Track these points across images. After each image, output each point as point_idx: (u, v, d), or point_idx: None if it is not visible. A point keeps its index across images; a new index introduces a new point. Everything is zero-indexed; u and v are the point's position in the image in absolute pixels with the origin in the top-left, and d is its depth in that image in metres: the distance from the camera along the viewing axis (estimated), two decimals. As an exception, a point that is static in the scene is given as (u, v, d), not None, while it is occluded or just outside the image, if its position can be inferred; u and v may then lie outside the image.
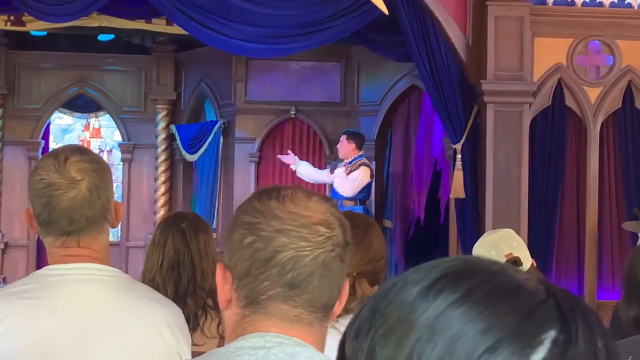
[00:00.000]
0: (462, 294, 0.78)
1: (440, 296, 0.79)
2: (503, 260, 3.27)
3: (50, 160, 2.22)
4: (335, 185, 9.71)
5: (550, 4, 8.30)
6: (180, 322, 2.30)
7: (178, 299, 3.09)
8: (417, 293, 0.80)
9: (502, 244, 3.40)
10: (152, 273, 3.27)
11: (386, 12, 8.18)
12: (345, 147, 9.85)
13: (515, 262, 3.25)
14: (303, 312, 1.55)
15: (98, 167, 2.25)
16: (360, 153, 9.88)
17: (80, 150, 2.28)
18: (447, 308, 0.78)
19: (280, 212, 1.55)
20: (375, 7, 8.19)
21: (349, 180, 9.61)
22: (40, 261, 12.61)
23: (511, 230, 3.59)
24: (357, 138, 9.93)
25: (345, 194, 9.60)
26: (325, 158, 11.39)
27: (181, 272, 3.30)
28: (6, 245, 11.91)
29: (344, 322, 2.56)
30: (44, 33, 11.59)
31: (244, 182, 11.46)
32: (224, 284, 1.61)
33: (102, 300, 2.20)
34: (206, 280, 3.35)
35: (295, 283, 1.54)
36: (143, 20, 10.24)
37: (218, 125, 11.66)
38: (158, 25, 10.37)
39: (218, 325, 3.29)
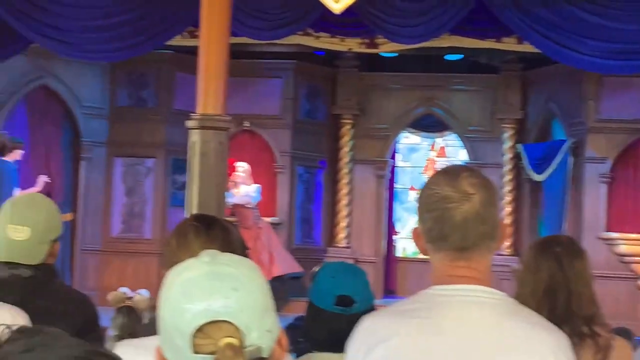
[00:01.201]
0: None
1: None
2: None
3: (442, 175, 2.22)
4: None
5: None
6: (567, 350, 2.20)
7: (553, 326, 2.98)
8: None
9: None
10: (526, 298, 3.18)
11: None
12: None
13: None
14: None
15: (489, 183, 2.22)
16: None
17: (469, 168, 2.27)
18: None
19: None
20: None
21: None
22: (388, 279, 12.93)
23: None
24: None
25: None
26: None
27: (556, 298, 3.20)
28: (356, 261, 12.28)
29: None
30: (394, 54, 11.91)
31: (594, 203, 11.09)
32: None
33: (487, 323, 2.15)
34: (582, 307, 3.22)
35: None
36: (493, 40, 10.21)
37: (567, 144, 11.37)
38: (508, 44, 10.29)
39: (594, 354, 3.15)
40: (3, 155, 10.60)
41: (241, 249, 2.57)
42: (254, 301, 1.52)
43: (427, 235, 2.21)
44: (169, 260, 2.53)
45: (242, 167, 11.89)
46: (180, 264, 1.60)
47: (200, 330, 1.49)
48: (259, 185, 11.84)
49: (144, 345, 2.51)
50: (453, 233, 2.16)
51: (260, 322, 1.51)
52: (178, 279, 1.56)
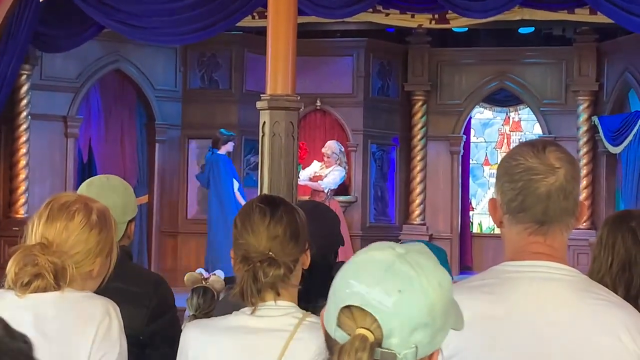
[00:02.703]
0: None
1: None
2: None
3: (527, 147, 2.19)
4: None
5: None
6: (641, 327, 2.16)
7: (629, 301, 2.93)
8: None
9: None
10: (601, 274, 3.13)
11: None
12: None
13: None
14: None
15: (573, 159, 2.20)
16: None
17: (554, 142, 2.25)
18: None
19: None
20: None
21: None
22: (464, 255, 12.85)
23: None
24: None
25: None
26: None
27: (632, 273, 3.14)
28: (431, 237, 12.26)
29: None
30: (465, 29, 11.80)
31: (673, 175, 10.88)
32: None
33: (558, 300, 2.12)
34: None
35: None
36: (566, 11, 10.05)
37: (644, 115, 11.16)
38: (581, 15, 10.13)
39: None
40: (217, 148, 11.11)
41: (307, 234, 2.58)
42: (412, 311, 1.49)
43: (507, 206, 2.17)
44: (235, 240, 2.55)
45: (327, 148, 11.91)
46: (381, 243, 1.59)
47: (349, 309, 1.50)
48: (342, 173, 11.82)
49: (213, 325, 2.54)
50: (535, 205, 2.13)
51: (408, 333, 1.49)
52: (364, 254, 1.56)
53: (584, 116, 12.18)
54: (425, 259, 1.55)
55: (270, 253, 2.48)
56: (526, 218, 2.16)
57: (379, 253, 1.54)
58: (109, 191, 3.25)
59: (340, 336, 1.50)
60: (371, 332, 1.47)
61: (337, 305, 1.51)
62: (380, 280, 1.49)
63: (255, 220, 2.52)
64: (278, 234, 2.50)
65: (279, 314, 2.48)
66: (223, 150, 11.15)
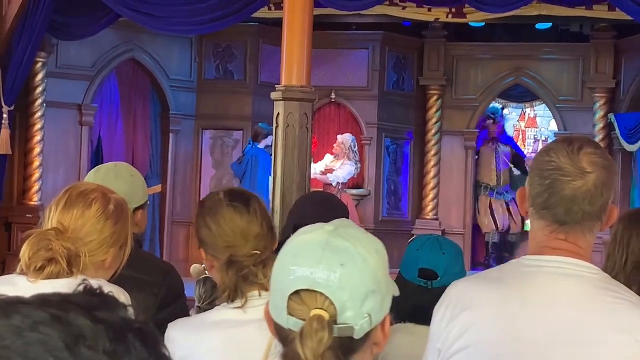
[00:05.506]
0: None
1: None
2: None
3: (564, 145, 2.15)
4: None
5: None
6: (657, 327, 2.12)
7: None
8: None
9: None
10: (615, 272, 3.09)
11: None
12: None
13: None
14: None
15: (609, 164, 2.15)
16: None
17: (594, 144, 2.19)
18: None
19: None
20: None
21: None
22: (476, 251, 12.82)
23: None
24: None
25: None
26: None
27: (647, 273, 3.10)
28: (443, 233, 12.20)
29: None
30: (482, 24, 11.74)
31: (689, 174, 10.80)
32: None
33: (573, 297, 2.09)
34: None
35: None
36: (584, 7, 9.99)
37: (661, 114, 11.08)
38: (599, 12, 10.06)
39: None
40: (258, 142, 11.09)
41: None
42: (359, 281, 1.49)
43: (533, 200, 2.16)
44: (213, 243, 2.52)
45: (339, 142, 11.90)
46: (309, 226, 1.58)
47: (297, 294, 1.49)
48: (352, 169, 11.80)
49: (196, 323, 2.50)
50: (558, 206, 2.11)
51: (359, 304, 1.49)
52: (297, 239, 1.56)
53: (600, 113, 12.11)
54: (356, 231, 1.56)
55: (257, 252, 2.43)
56: (548, 216, 2.14)
57: (310, 235, 1.54)
58: (113, 178, 3.23)
59: (294, 323, 1.49)
60: (325, 310, 1.46)
61: (284, 294, 1.50)
62: (321, 259, 1.48)
63: (232, 220, 2.48)
64: (259, 231, 2.47)
65: (262, 303, 2.45)
66: (263, 144, 11.11)
